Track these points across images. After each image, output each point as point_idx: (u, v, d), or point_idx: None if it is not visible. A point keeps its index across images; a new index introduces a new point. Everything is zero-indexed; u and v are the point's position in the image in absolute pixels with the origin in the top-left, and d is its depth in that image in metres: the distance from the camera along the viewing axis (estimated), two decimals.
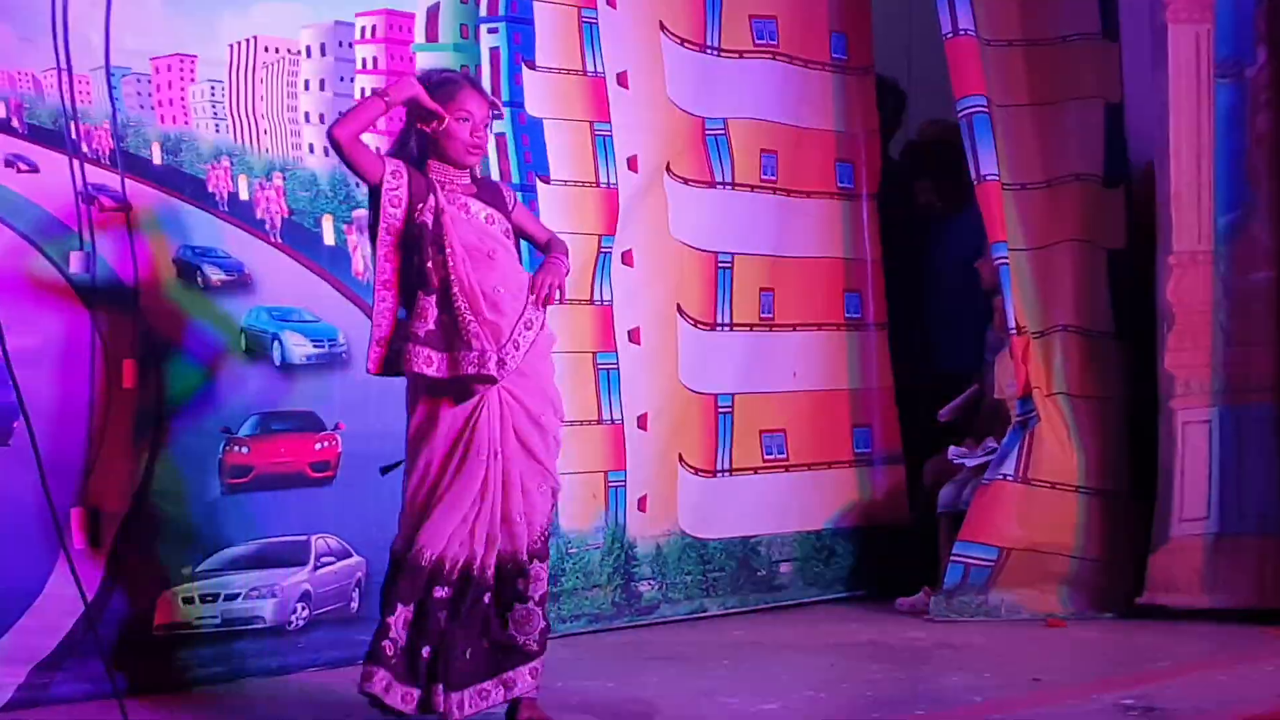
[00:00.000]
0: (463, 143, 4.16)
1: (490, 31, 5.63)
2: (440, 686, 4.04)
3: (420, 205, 4.09)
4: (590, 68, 5.86)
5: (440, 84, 4.21)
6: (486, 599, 4.12)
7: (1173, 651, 5.26)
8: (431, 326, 4.06)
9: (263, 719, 4.41)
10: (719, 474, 6.23)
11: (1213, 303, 5.89)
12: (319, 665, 5.05)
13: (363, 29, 5.35)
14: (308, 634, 5.08)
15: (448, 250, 4.07)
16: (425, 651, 4.06)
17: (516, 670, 4.15)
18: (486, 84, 5.56)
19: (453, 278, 4.06)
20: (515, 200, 4.38)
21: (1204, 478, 5.87)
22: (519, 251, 4.34)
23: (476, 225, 4.17)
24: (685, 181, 6.11)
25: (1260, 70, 5.89)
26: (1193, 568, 5.84)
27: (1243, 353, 5.88)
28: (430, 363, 4.06)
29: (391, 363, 4.14)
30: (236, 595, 4.93)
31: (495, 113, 4.31)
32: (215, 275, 4.95)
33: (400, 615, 4.08)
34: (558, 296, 4.27)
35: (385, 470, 4.45)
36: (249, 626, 4.96)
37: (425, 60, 5.44)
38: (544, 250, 4.39)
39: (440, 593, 4.07)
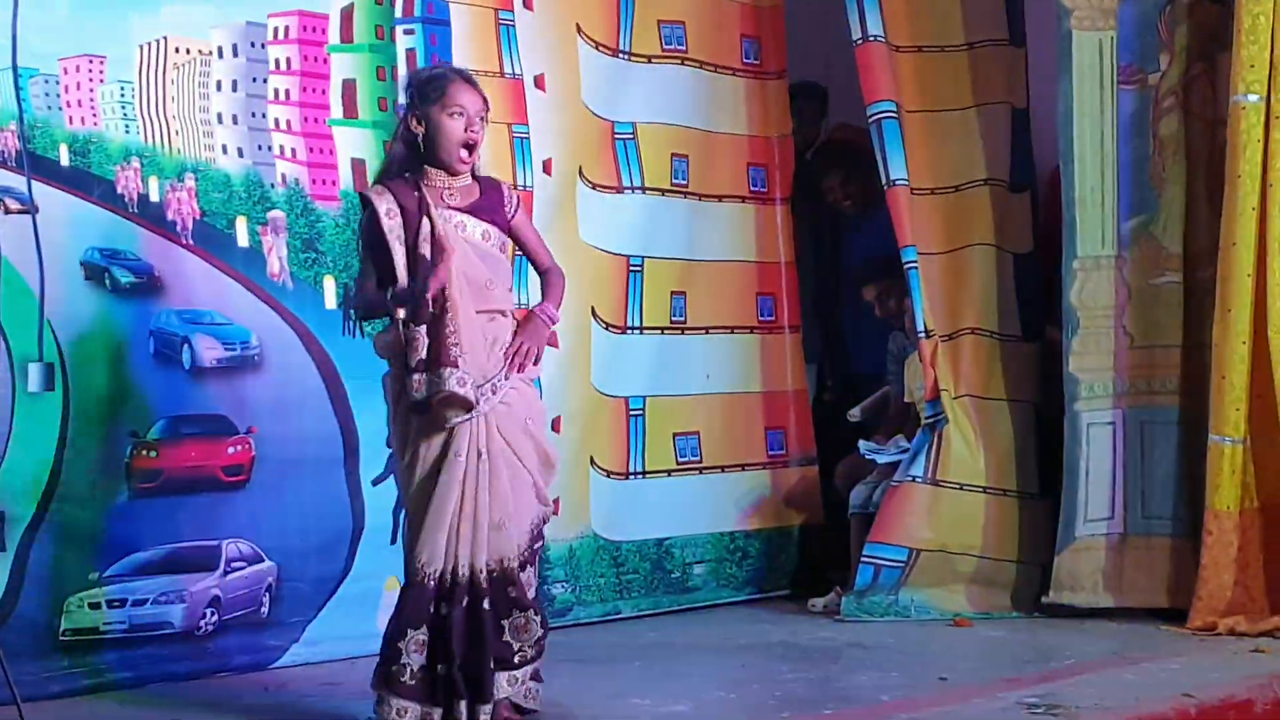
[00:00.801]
0: (456, 141, 4.08)
1: (406, 33, 5.59)
2: (464, 702, 4.05)
3: (416, 236, 4.03)
4: (508, 70, 5.84)
5: (429, 80, 4.16)
6: (486, 605, 4.09)
7: (1078, 650, 5.29)
8: (422, 355, 4.02)
9: None
10: (632, 476, 6.23)
11: (1116, 306, 5.94)
12: (229, 670, 5.00)
13: (275, 30, 5.30)
14: (217, 639, 5.03)
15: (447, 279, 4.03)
16: (440, 669, 4.05)
17: (508, 675, 4.15)
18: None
19: (448, 305, 4.01)
20: (517, 204, 4.29)
21: (1109, 479, 5.92)
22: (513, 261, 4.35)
23: (473, 245, 4.12)
24: (594, 186, 6.11)
25: (1163, 77, 5.96)
26: (1097, 567, 5.88)
27: (1146, 355, 5.93)
28: (418, 387, 4.03)
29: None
30: (145, 601, 4.87)
31: (488, 108, 4.22)
32: (124, 278, 4.89)
33: (411, 639, 4.06)
34: (532, 365, 4.23)
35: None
36: (157, 632, 4.90)
37: (340, 62, 5.41)
38: (540, 275, 4.36)
39: (446, 609, 4.05)
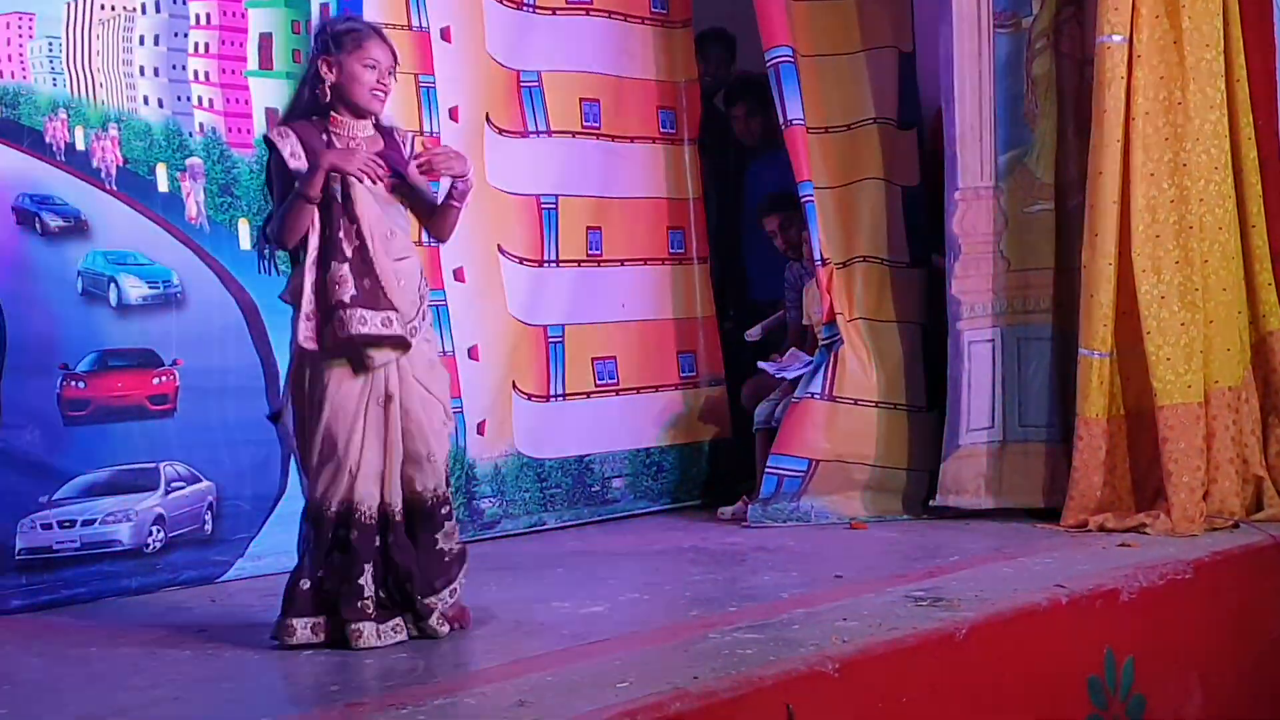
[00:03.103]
0: (367, 88, 3.92)
1: None
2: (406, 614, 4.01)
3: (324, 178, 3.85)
4: (416, 23, 5.73)
5: (345, 32, 3.96)
6: (394, 538, 4.01)
7: (961, 548, 5.30)
8: (354, 291, 3.85)
9: (124, 635, 4.29)
10: (553, 399, 6.20)
11: (994, 233, 5.93)
12: (177, 585, 4.96)
13: None
14: (165, 556, 4.98)
15: (360, 220, 3.87)
16: (382, 594, 3.99)
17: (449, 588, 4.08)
18: None
19: (368, 245, 3.87)
20: (409, 145, 4.08)
21: (988, 391, 5.91)
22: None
23: (379, 196, 3.95)
24: (500, 131, 6.01)
25: (1035, 20, 5.93)
26: (979, 472, 5.90)
27: (1021, 278, 5.92)
28: (364, 322, 3.86)
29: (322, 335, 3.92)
30: (94, 521, 4.82)
31: (397, 62, 4.04)
32: (53, 222, 4.82)
33: (367, 573, 3.98)
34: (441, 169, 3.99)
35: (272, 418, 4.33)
36: (108, 549, 4.85)
37: (257, 17, 5.31)
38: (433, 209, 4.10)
39: (344, 533, 3.96)
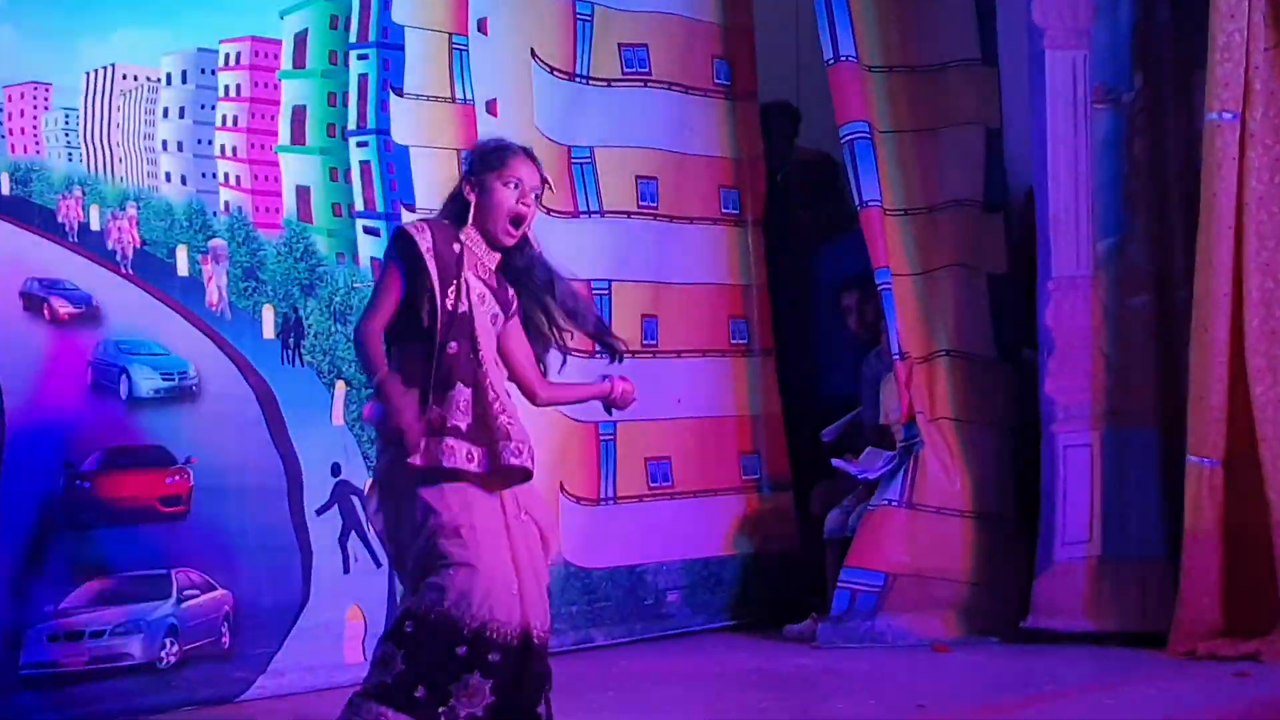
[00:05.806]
0: (505, 211, 3.96)
1: (360, 58, 5.51)
2: None
3: (450, 289, 3.90)
4: (460, 95, 5.73)
5: (494, 150, 4.06)
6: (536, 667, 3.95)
7: (1056, 675, 5.21)
8: (471, 421, 3.88)
9: None
10: (603, 502, 6.13)
11: (1093, 328, 5.87)
12: (194, 704, 4.89)
13: (226, 56, 5.22)
14: (180, 672, 4.92)
15: (480, 346, 3.93)
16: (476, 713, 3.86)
17: None
18: (353, 111, 5.48)
19: (484, 370, 3.92)
20: (515, 309, 4.12)
21: (1086, 501, 5.85)
22: None
23: (485, 326, 3.99)
24: (548, 212, 5.90)
25: (1137, 96, 5.90)
26: (1076, 591, 5.81)
27: (1122, 376, 5.87)
28: (471, 459, 3.87)
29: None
30: (102, 633, 4.77)
31: (546, 185, 4.10)
32: (63, 308, 4.82)
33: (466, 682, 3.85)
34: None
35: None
36: (119, 664, 4.79)
37: (290, 89, 5.33)
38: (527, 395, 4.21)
39: (493, 657, 3.85)
